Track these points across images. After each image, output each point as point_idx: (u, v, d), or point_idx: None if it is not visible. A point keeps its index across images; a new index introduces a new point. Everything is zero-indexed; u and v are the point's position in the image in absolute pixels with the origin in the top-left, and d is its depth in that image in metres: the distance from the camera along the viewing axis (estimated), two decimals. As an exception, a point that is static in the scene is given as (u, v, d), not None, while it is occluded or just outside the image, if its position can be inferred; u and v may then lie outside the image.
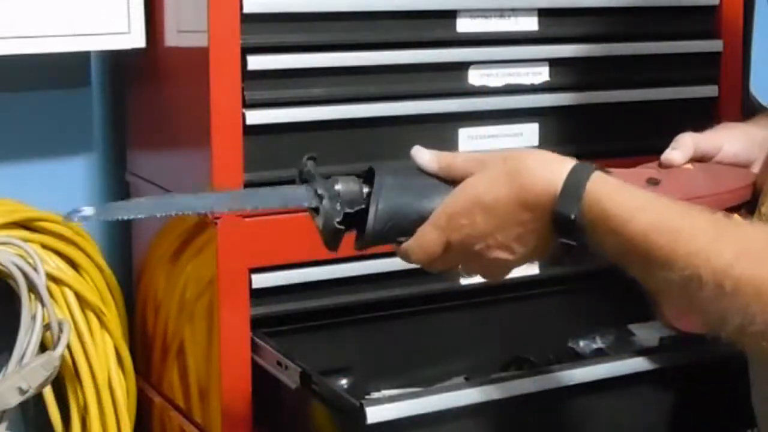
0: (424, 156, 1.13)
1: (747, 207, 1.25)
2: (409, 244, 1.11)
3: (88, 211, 1.07)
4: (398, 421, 1.25)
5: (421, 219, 1.11)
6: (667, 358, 1.41)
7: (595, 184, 1.03)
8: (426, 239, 1.10)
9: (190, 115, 1.50)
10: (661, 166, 1.24)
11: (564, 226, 1.04)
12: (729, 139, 1.29)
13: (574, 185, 1.03)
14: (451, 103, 1.56)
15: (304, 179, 1.15)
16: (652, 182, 1.18)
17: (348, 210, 1.11)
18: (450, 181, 1.11)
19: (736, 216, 1.23)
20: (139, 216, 1.11)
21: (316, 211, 1.12)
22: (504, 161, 1.08)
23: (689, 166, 1.25)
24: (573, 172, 1.04)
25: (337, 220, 1.10)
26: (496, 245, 1.09)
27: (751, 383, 1.25)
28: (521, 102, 1.61)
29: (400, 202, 1.11)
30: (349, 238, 1.14)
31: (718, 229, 0.99)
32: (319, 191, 1.12)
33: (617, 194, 1.03)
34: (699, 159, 1.27)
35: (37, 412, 1.65)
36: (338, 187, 1.12)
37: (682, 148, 1.25)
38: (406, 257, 1.13)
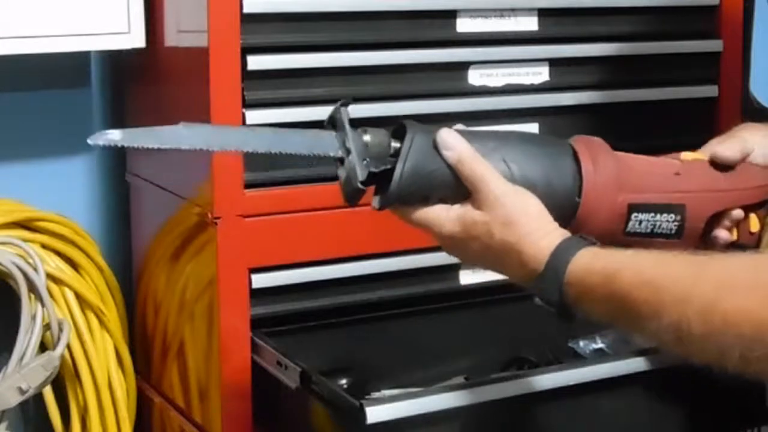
0: (447, 143, 1.11)
1: (764, 207, 1.25)
2: (418, 213, 1.11)
3: (114, 134, 1.06)
4: (398, 421, 1.25)
5: (447, 187, 1.10)
6: (667, 358, 1.40)
7: (575, 264, 1.06)
8: (434, 219, 1.11)
9: (190, 115, 1.49)
10: (715, 159, 1.23)
11: (549, 304, 1.08)
12: (759, 143, 1.28)
13: (552, 274, 1.06)
14: (451, 103, 1.56)
15: (333, 125, 1.12)
16: (676, 174, 1.19)
17: (373, 169, 1.08)
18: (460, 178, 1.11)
19: (753, 219, 1.24)
20: (165, 146, 1.08)
21: (341, 161, 1.10)
22: (503, 227, 1.09)
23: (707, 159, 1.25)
24: (552, 258, 1.07)
25: (360, 180, 1.08)
26: (481, 264, 1.14)
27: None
28: (521, 102, 1.61)
29: (428, 167, 1.10)
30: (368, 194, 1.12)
31: (696, 269, 1.00)
32: (347, 143, 1.09)
33: (596, 263, 1.05)
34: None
35: (37, 412, 1.65)
36: (367, 138, 1.10)
37: (731, 148, 1.24)
38: (408, 219, 1.13)
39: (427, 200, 1.11)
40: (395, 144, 1.10)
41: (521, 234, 1.08)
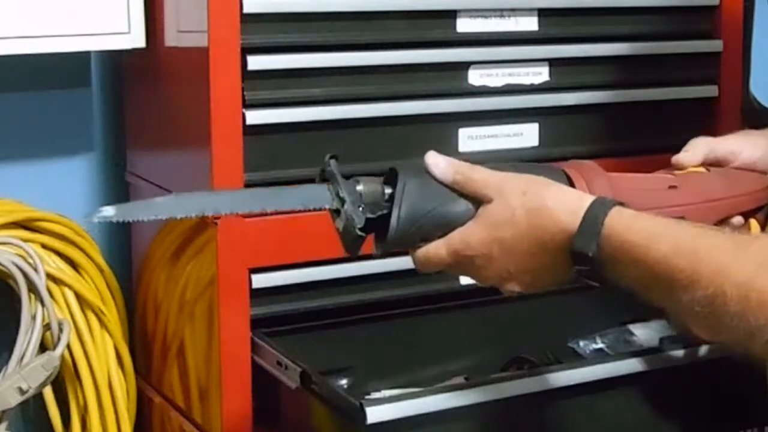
0: (439, 164, 1.11)
1: (764, 210, 1.25)
2: (418, 253, 1.11)
3: (108, 210, 1.07)
4: (398, 421, 1.25)
5: (446, 224, 1.10)
6: (667, 358, 1.40)
7: (612, 218, 1.04)
8: (434, 256, 1.10)
9: (190, 115, 1.50)
10: (672, 167, 1.24)
11: (583, 263, 1.05)
12: (748, 146, 1.28)
13: (591, 223, 1.04)
14: (451, 103, 1.56)
15: (324, 178, 1.13)
16: (672, 188, 1.19)
17: (370, 215, 1.09)
18: (464, 195, 1.11)
19: (753, 224, 1.24)
20: (160, 217, 1.10)
21: (336, 212, 1.11)
22: (523, 194, 1.07)
23: (703, 169, 1.25)
24: (590, 209, 1.05)
25: (359, 227, 1.08)
26: (509, 278, 1.09)
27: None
28: (521, 102, 1.61)
29: (424, 208, 1.10)
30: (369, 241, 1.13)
31: (737, 245, 0.99)
32: (341, 193, 1.10)
33: (635, 224, 1.03)
34: (714, 164, 1.26)
35: (37, 412, 1.65)
36: (360, 188, 1.11)
37: (694, 150, 1.25)
38: (414, 258, 1.13)
39: (427, 241, 1.11)
40: (388, 190, 1.11)
41: (545, 196, 1.06)
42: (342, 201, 1.10)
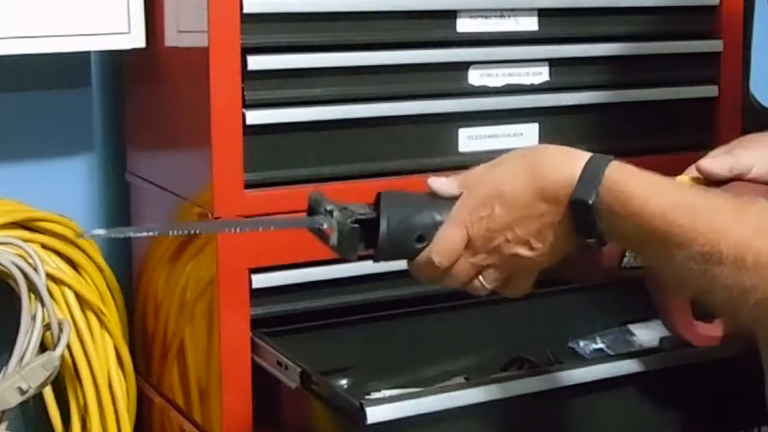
0: (441, 180, 1.13)
1: None
2: (431, 247, 1.11)
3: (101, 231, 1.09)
4: (398, 421, 1.25)
5: (433, 220, 1.11)
6: (667, 358, 1.40)
7: (613, 169, 1.04)
8: (446, 238, 1.10)
9: (190, 115, 1.50)
10: (698, 171, 1.23)
11: (581, 212, 1.04)
12: (761, 158, 1.27)
13: (592, 172, 1.04)
14: (451, 103, 1.56)
15: (311, 208, 1.15)
16: None
17: (359, 216, 1.11)
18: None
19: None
20: (153, 234, 1.11)
21: (324, 235, 1.12)
22: (522, 156, 1.09)
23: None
24: (591, 160, 1.05)
25: (350, 219, 1.10)
26: (515, 240, 1.09)
27: (765, 377, 1.25)
28: (521, 102, 1.61)
29: (410, 206, 1.11)
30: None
31: (737, 207, 1.00)
32: (327, 208, 1.12)
33: (635, 178, 1.04)
34: (731, 179, 1.26)
35: (37, 412, 1.65)
36: (346, 206, 1.13)
37: (722, 162, 1.23)
38: (427, 267, 1.12)
39: (421, 241, 1.11)
40: (374, 209, 1.13)
41: (542, 152, 1.08)
42: (330, 212, 1.12)
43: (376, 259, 1.13)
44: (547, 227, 1.08)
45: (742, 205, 1.00)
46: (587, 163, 1.05)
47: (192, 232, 1.12)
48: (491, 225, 1.09)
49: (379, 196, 1.13)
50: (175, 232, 1.13)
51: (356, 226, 1.11)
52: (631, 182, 1.03)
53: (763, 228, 0.96)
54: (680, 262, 0.99)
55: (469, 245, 1.10)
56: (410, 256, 1.13)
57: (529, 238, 1.08)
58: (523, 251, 1.09)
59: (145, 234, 1.12)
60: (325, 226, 1.12)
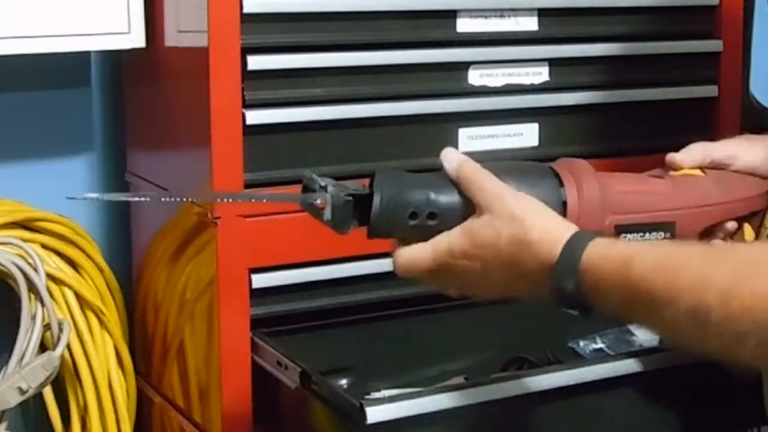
0: (449, 154, 1.14)
1: (758, 216, 1.25)
2: (399, 251, 1.12)
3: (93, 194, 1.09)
4: (398, 421, 1.25)
5: (428, 198, 1.11)
6: (667, 358, 1.40)
7: (590, 252, 1.04)
8: (415, 256, 1.12)
9: (190, 115, 1.50)
10: (666, 167, 1.24)
11: (563, 297, 1.06)
12: (748, 150, 1.28)
13: (568, 259, 1.05)
14: (451, 103, 1.56)
15: (306, 187, 1.15)
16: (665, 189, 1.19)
17: (353, 191, 1.11)
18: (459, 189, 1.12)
19: (747, 229, 1.23)
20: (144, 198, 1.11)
21: (318, 211, 1.12)
22: (511, 221, 1.08)
23: (699, 173, 1.25)
24: (567, 245, 1.06)
25: (344, 193, 1.11)
26: (488, 292, 1.13)
27: (763, 379, 1.25)
28: (521, 102, 1.61)
29: (405, 183, 1.12)
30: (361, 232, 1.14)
31: (715, 256, 1.00)
32: (321, 183, 1.12)
33: (610, 252, 1.04)
34: (712, 167, 1.26)
35: (37, 412, 1.65)
36: (339, 182, 1.13)
37: (690, 151, 1.25)
38: (395, 261, 1.14)
39: (416, 216, 1.11)
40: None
41: (530, 226, 1.07)
42: (324, 188, 1.12)
43: (369, 235, 1.13)
44: (523, 289, 1.10)
45: (720, 253, 1.01)
46: (564, 248, 1.05)
47: (185, 200, 1.12)
48: (467, 275, 1.11)
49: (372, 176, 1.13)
50: (169, 199, 1.13)
51: (349, 198, 1.11)
52: (607, 258, 1.03)
53: (744, 272, 0.96)
54: (670, 321, 0.99)
55: (432, 273, 1.12)
56: (403, 233, 1.13)
57: (503, 292, 1.12)
58: (492, 295, 1.13)
59: (138, 200, 1.12)
60: (318, 201, 1.12)
